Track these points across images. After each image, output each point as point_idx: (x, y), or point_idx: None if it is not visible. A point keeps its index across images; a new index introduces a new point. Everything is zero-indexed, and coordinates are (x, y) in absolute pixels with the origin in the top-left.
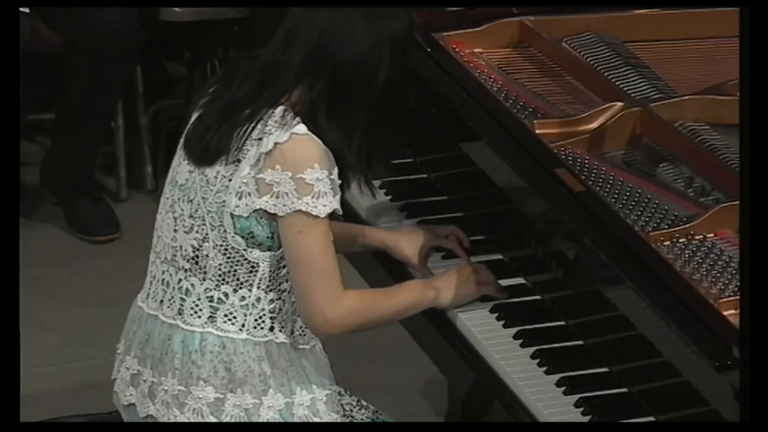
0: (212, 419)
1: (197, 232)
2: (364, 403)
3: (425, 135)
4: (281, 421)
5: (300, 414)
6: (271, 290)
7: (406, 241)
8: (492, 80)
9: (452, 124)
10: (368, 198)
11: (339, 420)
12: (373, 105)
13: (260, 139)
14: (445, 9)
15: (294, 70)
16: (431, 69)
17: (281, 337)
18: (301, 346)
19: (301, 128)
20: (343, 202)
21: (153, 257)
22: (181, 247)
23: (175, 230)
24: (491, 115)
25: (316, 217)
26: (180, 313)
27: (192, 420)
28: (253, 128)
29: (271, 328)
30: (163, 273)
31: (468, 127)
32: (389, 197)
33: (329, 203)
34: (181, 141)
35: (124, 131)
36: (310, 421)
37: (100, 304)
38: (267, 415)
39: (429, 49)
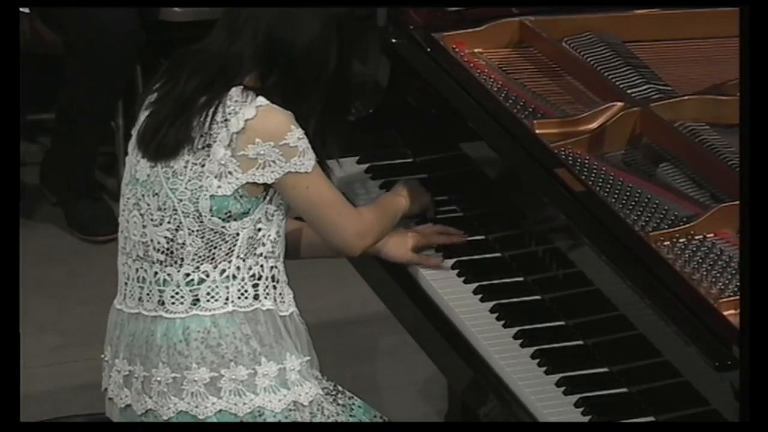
0: (213, 399)
1: (169, 222)
2: (340, 388)
3: (425, 135)
4: (278, 387)
5: (293, 378)
6: (248, 257)
7: (392, 244)
8: (492, 80)
9: (452, 124)
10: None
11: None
12: (324, 90)
13: (226, 120)
14: (445, 9)
15: (247, 60)
16: (431, 69)
17: (267, 304)
18: (282, 314)
19: (262, 100)
20: None
21: (123, 259)
22: (152, 240)
23: (144, 226)
24: (491, 115)
25: (307, 172)
26: (161, 303)
27: (192, 404)
28: (215, 113)
29: (256, 296)
30: (137, 270)
31: (468, 127)
32: None
33: (312, 156)
34: (133, 140)
35: (124, 131)
36: (303, 384)
37: (100, 304)
38: (263, 384)
39: (429, 49)
